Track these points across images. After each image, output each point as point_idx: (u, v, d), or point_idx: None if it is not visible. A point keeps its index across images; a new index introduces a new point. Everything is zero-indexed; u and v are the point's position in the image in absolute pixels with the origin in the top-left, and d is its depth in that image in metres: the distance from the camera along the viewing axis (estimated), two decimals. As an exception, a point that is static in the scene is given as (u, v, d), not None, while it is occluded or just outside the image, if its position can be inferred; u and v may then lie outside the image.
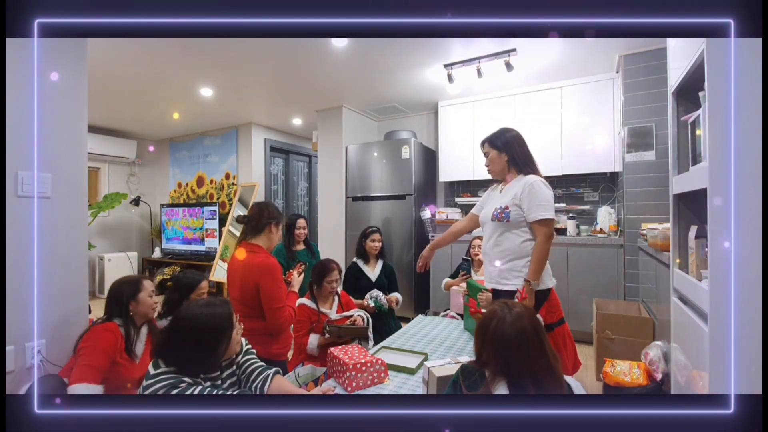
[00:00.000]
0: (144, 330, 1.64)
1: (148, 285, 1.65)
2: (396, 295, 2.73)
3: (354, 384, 1.47)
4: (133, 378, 1.54)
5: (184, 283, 1.92)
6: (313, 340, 2.09)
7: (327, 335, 2.06)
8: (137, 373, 1.55)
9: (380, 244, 2.80)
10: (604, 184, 3.70)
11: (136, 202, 5.62)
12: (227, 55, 3.06)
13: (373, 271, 2.79)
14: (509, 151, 1.78)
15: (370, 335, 2.20)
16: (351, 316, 2.18)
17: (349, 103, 4.38)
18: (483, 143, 1.86)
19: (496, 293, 1.78)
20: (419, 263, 2.12)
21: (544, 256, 1.65)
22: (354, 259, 2.85)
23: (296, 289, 1.97)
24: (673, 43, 1.58)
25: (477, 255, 2.73)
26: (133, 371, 1.54)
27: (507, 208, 1.71)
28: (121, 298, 1.57)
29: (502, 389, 1.02)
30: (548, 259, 1.69)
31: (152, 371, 1.16)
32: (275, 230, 1.89)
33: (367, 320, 2.22)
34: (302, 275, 2.03)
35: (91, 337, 1.48)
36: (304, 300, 2.17)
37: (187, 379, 1.15)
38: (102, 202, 5.05)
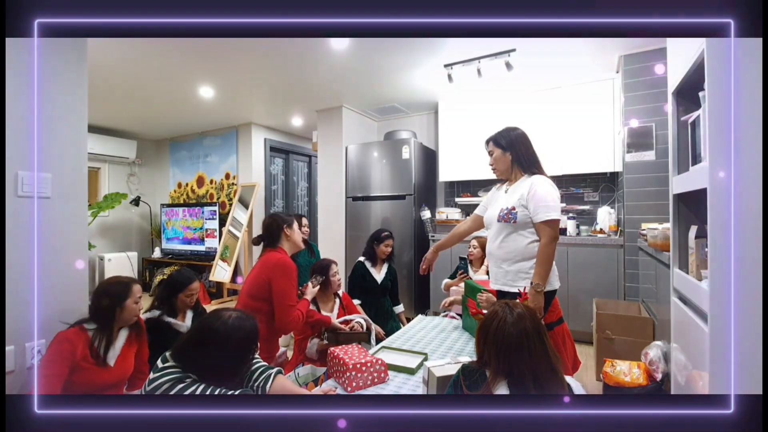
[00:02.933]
0: (123, 333, 1.57)
1: (137, 290, 1.57)
2: (377, 328, 2.44)
3: (354, 384, 1.47)
4: (104, 382, 1.48)
5: (177, 281, 1.91)
6: (312, 345, 2.09)
7: (326, 341, 2.06)
8: (110, 377, 1.49)
9: (392, 249, 2.84)
10: (604, 184, 3.70)
11: (136, 202, 5.62)
12: (227, 55, 3.06)
13: (379, 273, 2.81)
14: (513, 150, 1.76)
15: (373, 341, 2.20)
16: (350, 321, 2.18)
17: (349, 103, 4.38)
18: (487, 142, 1.83)
19: (502, 295, 1.76)
20: (423, 266, 2.10)
21: (548, 258, 1.63)
22: (362, 260, 2.85)
23: (309, 299, 2.00)
24: (673, 44, 1.58)
25: (471, 255, 2.76)
26: (104, 375, 1.48)
27: (514, 209, 1.69)
28: (105, 304, 1.50)
29: (502, 389, 1.02)
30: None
31: (160, 365, 1.17)
32: (290, 232, 1.99)
33: (367, 326, 2.22)
34: (317, 287, 2.09)
35: (50, 347, 1.43)
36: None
37: (193, 375, 1.15)
38: (102, 202, 5.05)
